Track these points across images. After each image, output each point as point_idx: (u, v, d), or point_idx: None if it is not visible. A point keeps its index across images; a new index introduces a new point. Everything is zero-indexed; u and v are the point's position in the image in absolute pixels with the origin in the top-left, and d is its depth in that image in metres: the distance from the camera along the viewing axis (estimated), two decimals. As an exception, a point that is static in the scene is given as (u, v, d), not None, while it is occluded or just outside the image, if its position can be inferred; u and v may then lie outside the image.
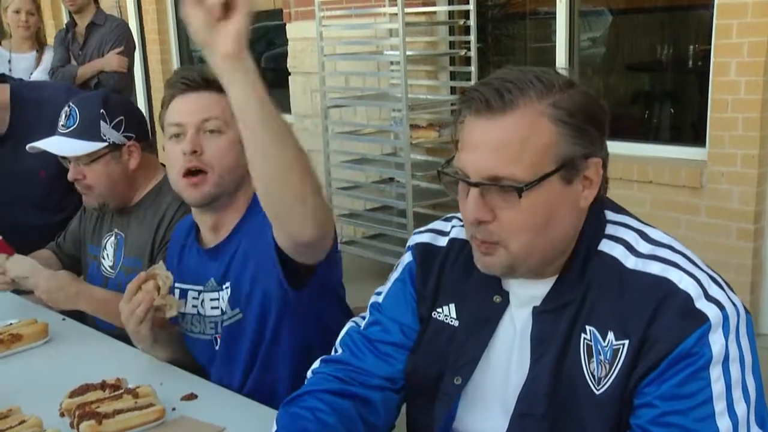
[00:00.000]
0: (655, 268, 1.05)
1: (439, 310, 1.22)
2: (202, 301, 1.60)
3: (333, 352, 1.30)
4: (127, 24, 4.61)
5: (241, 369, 1.56)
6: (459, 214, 1.27)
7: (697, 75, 3.68)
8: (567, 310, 1.08)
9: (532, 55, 4.46)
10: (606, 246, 1.10)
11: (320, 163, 4.50)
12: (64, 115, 1.92)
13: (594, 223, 1.11)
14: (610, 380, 1.04)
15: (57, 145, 1.91)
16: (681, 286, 1.02)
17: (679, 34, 3.96)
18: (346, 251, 4.13)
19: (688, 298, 1.01)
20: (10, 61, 4.16)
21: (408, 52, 3.91)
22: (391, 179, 4.40)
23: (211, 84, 1.49)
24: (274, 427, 1.17)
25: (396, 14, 3.83)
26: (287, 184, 1.17)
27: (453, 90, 4.40)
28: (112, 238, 2.02)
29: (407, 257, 1.29)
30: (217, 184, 1.52)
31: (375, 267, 4.10)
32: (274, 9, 6.01)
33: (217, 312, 1.57)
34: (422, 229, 1.31)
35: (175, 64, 6.90)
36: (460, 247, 1.23)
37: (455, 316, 1.20)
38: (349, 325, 1.33)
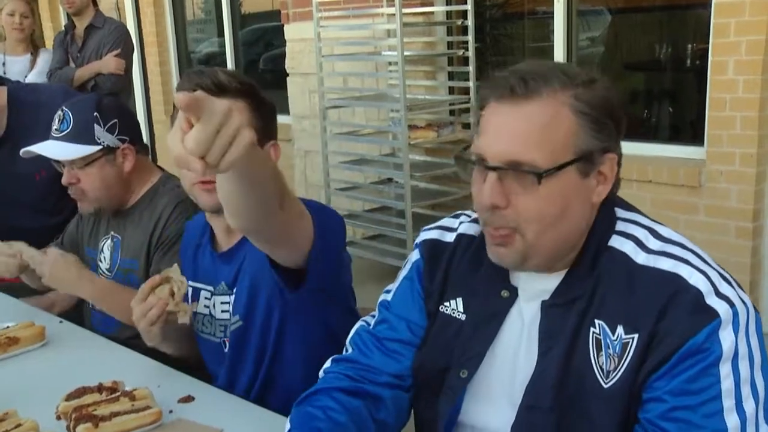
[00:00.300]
0: (665, 264, 1.06)
1: (447, 304, 1.22)
2: (214, 303, 1.60)
3: (344, 352, 1.31)
4: (126, 26, 4.61)
5: (248, 375, 1.55)
6: (468, 211, 1.28)
7: (695, 74, 3.67)
8: (576, 304, 1.09)
9: (530, 54, 4.46)
10: (616, 242, 1.10)
11: (319, 164, 4.50)
12: (57, 119, 1.92)
13: (605, 220, 1.12)
14: (619, 374, 1.04)
15: (51, 149, 1.91)
16: (691, 282, 1.03)
17: (677, 33, 3.95)
18: (345, 252, 4.12)
19: (698, 294, 1.02)
20: (3, 64, 4.15)
21: (406, 53, 3.91)
22: (390, 180, 4.40)
23: (223, 90, 1.43)
24: (288, 426, 1.17)
25: (394, 15, 3.83)
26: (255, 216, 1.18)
27: (451, 90, 4.39)
28: (109, 240, 2.02)
29: (415, 255, 1.30)
30: None
31: (374, 268, 4.10)
32: (272, 10, 6.02)
33: (227, 316, 1.57)
34: (430, 226, 1.31)
35: (173, 66, 6.90)
36: (468, 242, 1.23)
37: (462, 310, 1.20)
38: (358, 324, 1.33)
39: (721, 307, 1.01)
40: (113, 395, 1.40)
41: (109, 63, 4.12)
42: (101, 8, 4.43)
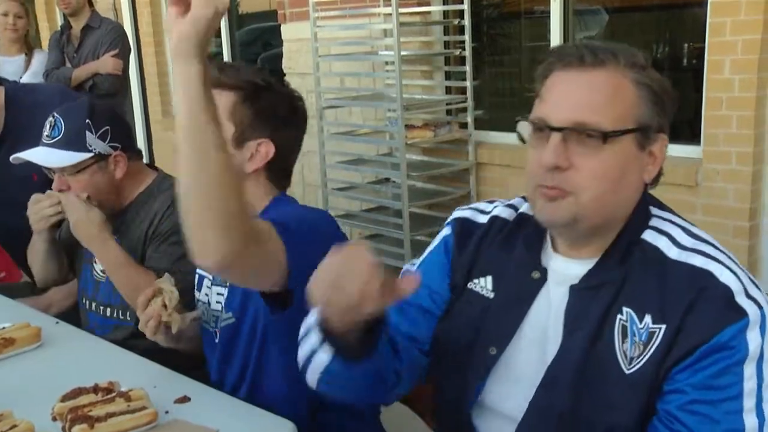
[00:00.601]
0: (697, 261, 1.07)
1: (476, 281, 1.23)
2: (212, 292, 1.61)
3: None
4: (123, 27, 4.60)
5: (235, 374, 1.55)
6: (502, 200, 1.30)
7: (691, 73, 3.68)
8: (604, 291, 1.10)
9: (527, 54, 4.46)
10: (649, 236, 1.12)
11: (316, 164, 4.50)
12: (48, 125, 1.90)
13: (640, 214, 1.14)
14: (642, 361, 1.05)
15: (41, 156, 1.89)
16: (722, 279, 1.04)
17: (673, 33, 3.96)
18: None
19: (728, 292, 1.03)
20: None
21: (403, 53, 3.91)
22: (387, 179, 4.40)
23: (218, 83, 1.42)
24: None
25: (390, 14, 3.83)
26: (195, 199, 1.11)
27: (448, 90, 4.39)
28: (104, 242, 2.01)
29: (446, 230, 1.31)
30: None
31: (371, 268, 4.09)
32: (269, 10, 6.02)
33: (219, 308, 1.58)
34: (464, 206, 1.33)
35: (170, 66, 6.89)
36: (501, 224, 1.25)
37: (491, 288, 1.21)
38: None
39: (750, 308, 1.02)
40: (109, 396, 1.40)
41: (107, 63, 4.12)
42: (98, 9, 4.43)
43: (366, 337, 1.06)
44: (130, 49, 4.42)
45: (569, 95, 1.09)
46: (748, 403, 1.01)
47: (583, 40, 1.18)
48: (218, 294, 1.59)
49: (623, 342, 1.07)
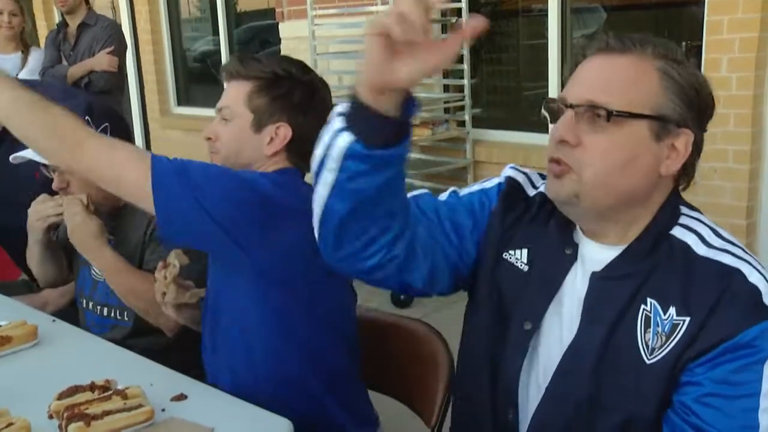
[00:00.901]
0: (726, 259, 1.07)
1: (511, 252, 1.22)
2: None
3: None
4: (118, 24, 4.59)
5: (225, 362, 1.59)
6: None
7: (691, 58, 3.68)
8: (629, 281, 1.10)
9: (525, 52, 4.46)
10: (678, 232, 1.12)
11: (314, 163, 4.49)
12: None
13: (670, 209, 1.14)
14: (664, 352, 1.05)
15: None
16: (751, 279, 1.04)
17: (671, 30, 3.96)
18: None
19: (756, 292, 1.03)
20: None
21: (400, 51, 3.90)
22: (385, 178, 4.39)
23: (234, 74, 1.58)
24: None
25: (388, 12, 3.82)
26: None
27: (446, 88, 4.39)
28: (103, 241, 2.00)
29: (500, 178, 1.28)
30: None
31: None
32: (267, 8, 6.01)
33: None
34: (520, 168, 1.30)
35: (168, 64, 6.89)
36: (542, 200, 1.23)
37: (526, 261, 1.21)
38: (427, 192, 1.29)
39: None
40: (105, 394, 1.39)
41: (102, 60, 4.11)
42: (97, 7, 4.42)
43: (392, 122, 0.97)
44: (125, 46, 4.40)
45: (588, 77, 1.11)
46: (765, 402, 1.01)
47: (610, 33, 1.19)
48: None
49: (645, 332, 1.07)
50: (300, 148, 1.56)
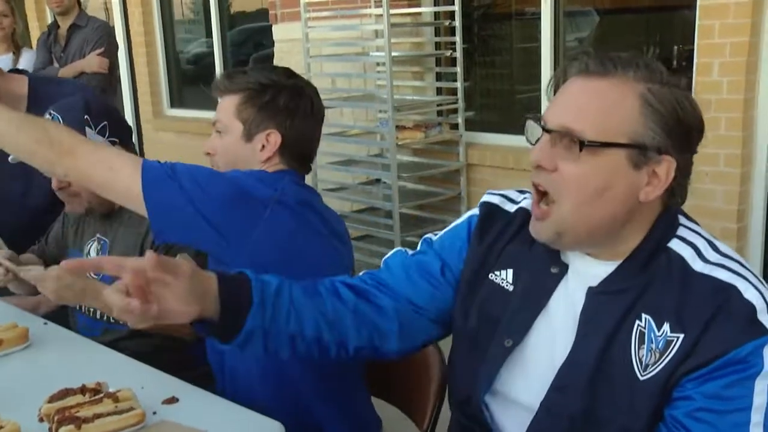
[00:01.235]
0: (722, 275, 1.06)
1: (497, 273, 1.23)
2: None
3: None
4: (109, 25, 4.58)
5: (228, 363, 1.61)
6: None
7: (681, 75, 3.69)
8: (623, 296, 1.10)
9: (518, 55, 4.47)
10: (675, 245, 1.11)
11: (307, 165, 4.49)
12: None
13: (667, 222, 1.13)
14: (657, 369, 1.05)
15: None
16: (746, 295, 1.04)
17: (663, 35, 3.98)
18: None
19: (751, 308, 1.03)
20: None
21: (394, 54, 3.92)
22: (378, 180, 4.40)
23: (224, 90, 1.64)
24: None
25: (381, 15, 3.83)
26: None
27: (439, 91, 4.40)
28: (95, 243, 2.00)
29: (473, 210, 1.32)
30: None
31: (362, 269, 4.08)
32: (261, 10, 6.00)
33: None
34: (496, 191, 1.32)
35: (161, 66, 6.87)
36: (525, 217, 1.23)
37: (511, 281, 1.22)
38: (400, 249, 1.36)
39: None
40: (96, 397, 1.39)
41: (93, 62, 4.10)
42: (90, 9, 4.40)
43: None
44: (116, 48, 4.39)
45: (565, 102, 1.11)
46: (756, 417, 1.01)
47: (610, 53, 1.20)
48: None
49: (639, 348, 1.07)
50: (292, 151, 1.62)
